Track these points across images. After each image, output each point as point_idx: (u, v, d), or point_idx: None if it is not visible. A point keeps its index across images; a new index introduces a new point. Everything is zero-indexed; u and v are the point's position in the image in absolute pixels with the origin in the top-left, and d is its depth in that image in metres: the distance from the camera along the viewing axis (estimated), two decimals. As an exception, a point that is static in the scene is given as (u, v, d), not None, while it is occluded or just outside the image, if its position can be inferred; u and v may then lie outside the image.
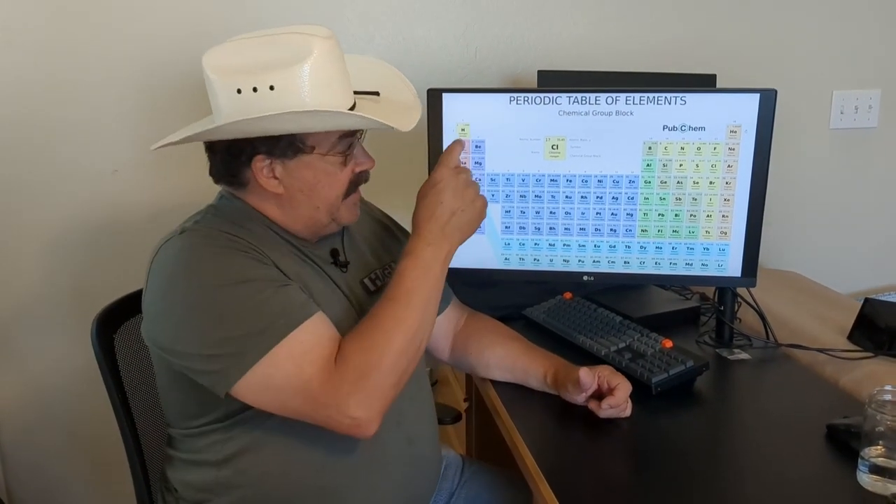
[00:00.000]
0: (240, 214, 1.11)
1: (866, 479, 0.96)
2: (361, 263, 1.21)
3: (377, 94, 1.15)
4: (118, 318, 1.24)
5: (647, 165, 1.30)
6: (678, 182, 1.30)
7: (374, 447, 1.07)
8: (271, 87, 0.98)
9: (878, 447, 0.95)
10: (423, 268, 1.04)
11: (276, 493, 1.04)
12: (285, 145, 1.03)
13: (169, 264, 1.03)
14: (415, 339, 1.02)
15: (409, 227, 1.38)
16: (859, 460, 0.97)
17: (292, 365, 0.96)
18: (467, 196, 1.09)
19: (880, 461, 0.94)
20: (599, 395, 1.15)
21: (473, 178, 1.14)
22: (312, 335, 0.98)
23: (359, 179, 1.13)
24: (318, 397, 0.95)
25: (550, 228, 1.36)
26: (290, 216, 1.11)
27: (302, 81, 0.98)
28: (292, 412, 0.98)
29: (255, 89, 0.98)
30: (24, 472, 1.85)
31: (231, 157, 1.06)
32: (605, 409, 1.12)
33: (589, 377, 1.14)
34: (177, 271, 1.02)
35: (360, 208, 1.33)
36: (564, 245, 1.37)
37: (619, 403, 1.13)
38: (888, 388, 0.97)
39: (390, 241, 1.31)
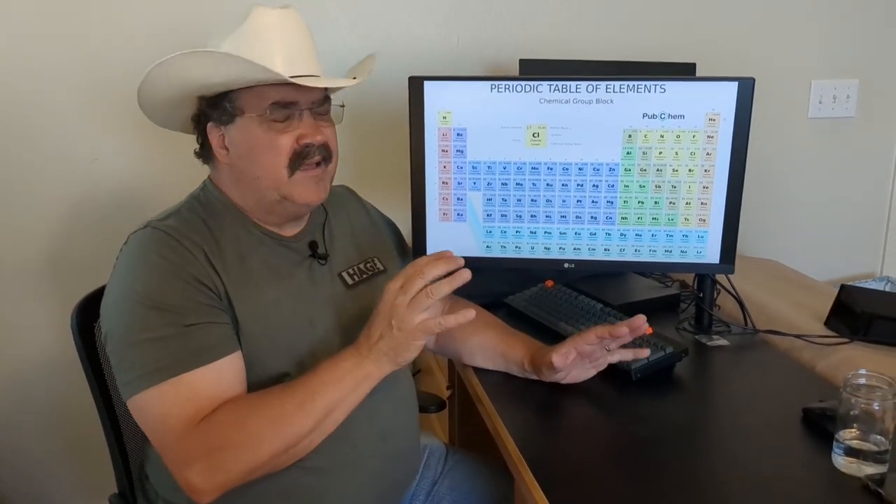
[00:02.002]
0: (217, 207, 1.11)
1: (841, 462, 0.97)
2: (342, 256, 1.20)
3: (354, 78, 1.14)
4: (98, 306, 1.22)
5: (627, 153, 1.31)
6: (658, 170, 1.31)
7: (344, 446, 1.07)
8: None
9: (853, 430, 0.96)
10: (338, 375, 0.99)
11: (239, 500, 1.01)
12: (222, 110, 1.07)
13: (121, 260, 1.06)
14: (297, 440, 0.98)
15: (391, 216, 1.39)
16: (834, 443, 0.98)
17: (160, 410, 0.97)
18: (396, 319, 0.98)
19: (854, 444, 0.96)
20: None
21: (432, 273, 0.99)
22: (192, 388, 0.97)
23: (305, 152, 1.07)
24: (167, 451, 0.97)
25: (532, 216, 1.36)
26: (243, 193, 1.11)
27: (235, 43, 1.05)
28: (155, 448, 1.01)
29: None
30: (5, 457, 1.84)
31: (199, 129, 1.12)
32: (614, 353, 1.19)
33: (562, 360, 1.15)
34: (121, 270, 1.04)
35: (349, 199, 1.32)
36: (545, 233, 1.37)
37: (622, 333, 1.14)
38: (863, 372, 0.99)
39: (374, 234, 1.31)
